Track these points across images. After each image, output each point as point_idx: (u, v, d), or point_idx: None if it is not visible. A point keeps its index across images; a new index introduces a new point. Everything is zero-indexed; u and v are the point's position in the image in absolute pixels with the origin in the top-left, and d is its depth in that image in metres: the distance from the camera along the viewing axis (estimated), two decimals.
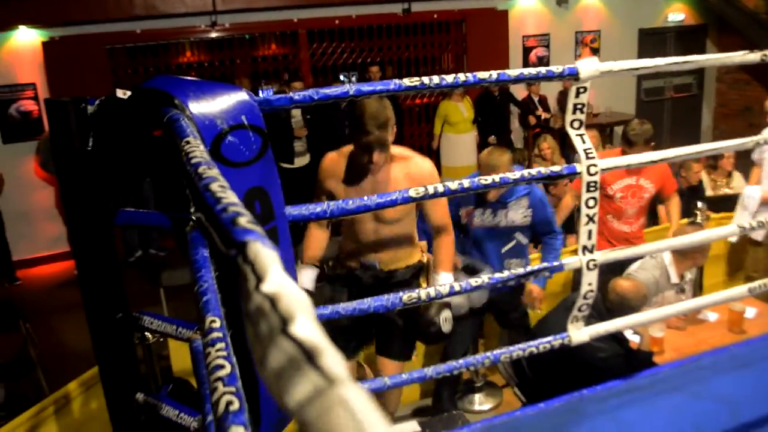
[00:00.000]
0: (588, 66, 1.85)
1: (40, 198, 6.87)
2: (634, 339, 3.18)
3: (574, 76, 1.84)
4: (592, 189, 1.89)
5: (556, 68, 1.81)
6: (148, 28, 6.91)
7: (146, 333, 2.87)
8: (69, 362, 3.55)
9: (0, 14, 6.25)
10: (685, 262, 3.47)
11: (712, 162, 5.37)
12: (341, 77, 8.15)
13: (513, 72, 1.76)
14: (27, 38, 6.63)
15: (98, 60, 6.75)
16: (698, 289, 4.14)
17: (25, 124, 6.75)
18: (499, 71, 1.74)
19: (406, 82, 1.64)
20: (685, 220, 4.24)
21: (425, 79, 1.66)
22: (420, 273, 2.80)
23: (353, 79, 8.13)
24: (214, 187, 0.64)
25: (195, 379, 1.56)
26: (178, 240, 1.41)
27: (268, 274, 0.40)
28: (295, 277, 1.51)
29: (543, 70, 1.81)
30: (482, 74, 1.73)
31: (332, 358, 0.31)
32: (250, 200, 1.46)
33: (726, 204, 4.94)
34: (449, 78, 1.69)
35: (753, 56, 2.18)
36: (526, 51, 8.62)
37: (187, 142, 0.95)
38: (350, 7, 7.42)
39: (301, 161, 6.68)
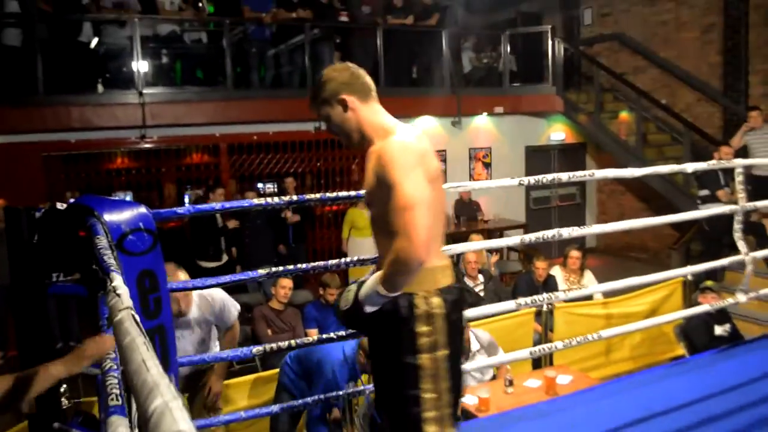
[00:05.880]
0: None
1: None
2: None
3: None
4: None
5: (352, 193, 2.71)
6: (82, 138, 7.68)
7: (63, 399, 3.51)
8: None
9: None
10: None
11: (564, 261, 6.41)
12: (259, 185, 9.09)
13: (332, 195, 2.66)
14: None
15: (34, 165, 7.44)
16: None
17: None
18: (321, 194, 2.63)
19: (255, 200, 2.51)
20: None
21: (269, 199, 2.53)
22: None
23: (268, 188, 9.11)
24: (105, 258, 1.46)
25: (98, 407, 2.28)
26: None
27: (115, 281, 1.21)
28: (160, 316, 2.26)
29: (352, 193, 2.70)
30: (311, 195, 2.61)
31: (124, 296, 1.11)
32: (142, 277, 2.25)
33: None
34: (288, 198, 2.57)
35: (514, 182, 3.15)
36: None
37: (98, 238, 1.76)
38: (267, 125, 8.43)
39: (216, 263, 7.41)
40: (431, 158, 2.00)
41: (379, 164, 1.91)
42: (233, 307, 3.62)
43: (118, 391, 1.21)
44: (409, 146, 1.92)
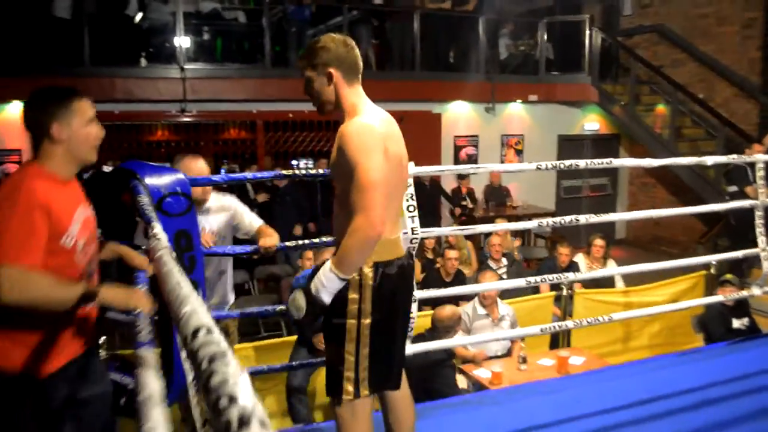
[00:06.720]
0: None
1: None
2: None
3: None
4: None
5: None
6: (125, 110, 7.98)
7: (101, 350, 3.76)
8: None
9: None
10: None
11: (588, 249, 6.50)
12: (293, 162, 9.30)
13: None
14: (17, 111, 7.62)
15: None
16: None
17: None
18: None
19: (284, 172, 2.69)
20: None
21: (296, 172, 2.71)
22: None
23: (301, 164, 9.32)
24: (148, 212, 1.66)
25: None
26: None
27: (156, 228, 1.40)
28: (194, 272, 2.46)
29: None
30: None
31: (163, 239, 1.29)
32: (178, 237, 2.45)
33: (595, 284, 6.08)
34: (315, 171, 2.74)
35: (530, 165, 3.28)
36: (457, 149, 9.90)
37: (140, 197, 1.96)
38: (302, 103, 8.59)
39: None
40: (393, 142, 2.11)
41: (343, 143, 2.01)
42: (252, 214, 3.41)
43: (148, 329, 1.42)
44: (372, 129, 2.02)
